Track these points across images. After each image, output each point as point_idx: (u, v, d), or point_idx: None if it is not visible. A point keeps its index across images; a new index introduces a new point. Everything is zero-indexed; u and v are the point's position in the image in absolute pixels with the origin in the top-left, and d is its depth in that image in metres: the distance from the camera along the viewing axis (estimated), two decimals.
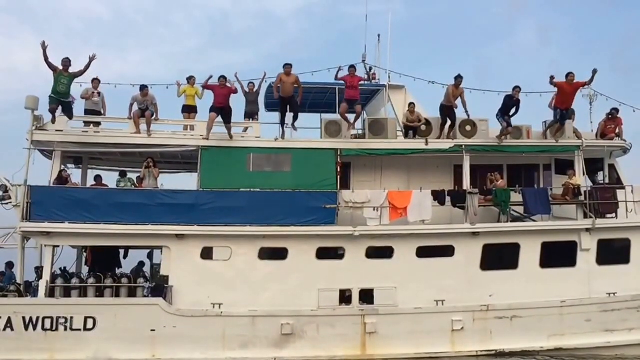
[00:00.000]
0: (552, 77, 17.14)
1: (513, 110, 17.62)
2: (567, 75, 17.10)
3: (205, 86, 16.89)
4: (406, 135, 17.83)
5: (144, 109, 16.93)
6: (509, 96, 17.64)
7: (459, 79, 17.43)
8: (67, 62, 15.88)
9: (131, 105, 17.13)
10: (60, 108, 16.07)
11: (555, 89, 17.49)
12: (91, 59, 15.82)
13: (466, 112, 17.58)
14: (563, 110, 17.47)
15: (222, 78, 16.63)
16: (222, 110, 16.48)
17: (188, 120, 17.69)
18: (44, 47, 15.39)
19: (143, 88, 17.16)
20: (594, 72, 17.25)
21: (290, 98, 17.06)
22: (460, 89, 17.53)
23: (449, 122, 17.75)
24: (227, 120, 16.64)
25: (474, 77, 62.45)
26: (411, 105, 17.93)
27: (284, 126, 17.25)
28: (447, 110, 17.68)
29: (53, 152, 16.56)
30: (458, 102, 17.52)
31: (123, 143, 16.82)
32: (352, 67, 17.34)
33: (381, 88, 19.34)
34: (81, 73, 16.00)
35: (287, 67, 17.00)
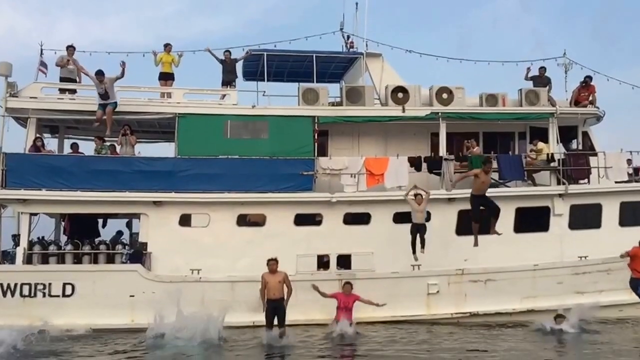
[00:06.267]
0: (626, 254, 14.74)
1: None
2: None
3: None
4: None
5: (103, 94, 16.12)
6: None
7: (487, 163, 15.08)
8: None
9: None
10: None
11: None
12: None
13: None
14: None
15: None
16: None
17: (164, 87, 17.59)
18: None
19: (100, 73, 15.99)
20: None
21: (278, 300, 13.72)
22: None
23: None
24: None
25: (456, 45, 62.58)
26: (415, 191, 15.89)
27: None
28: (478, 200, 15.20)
29: (28, 119, 16.43)
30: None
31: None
32: (348, 284, 14.85)
33: (359, 56, 19.34)
34: None
35: (272, 262, 13.85)
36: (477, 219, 14.99)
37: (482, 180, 14.61)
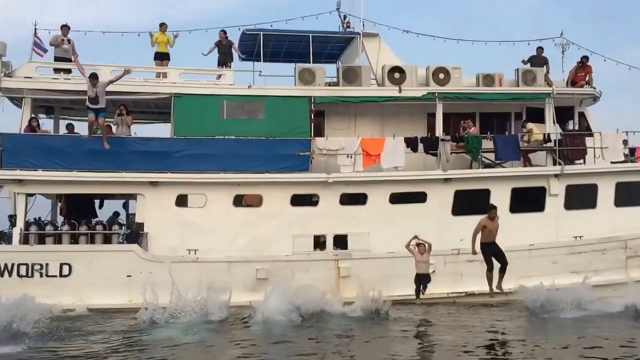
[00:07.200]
0: None
1: None
2: None
3: None
4: None
5: (93, 97, 15.44)
6: None
7: (492, 210, 14.57)
8: None
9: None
10: None
11: None
12: None
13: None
14: None
15: None
16: None
17: (160, 67, 17.50)
18: None
19: (94, 77, 15.36)
20: None
21: None
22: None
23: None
24: None
25: (454, 25, 62.41)
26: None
27: None
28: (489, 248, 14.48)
29: (23, 99, 16.36)
30: None
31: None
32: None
33: (355, 36, 19.23)
34: None
35: None
36: (490, 268, 14.60)
37: (489, 229, 14.44)
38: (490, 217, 14.43)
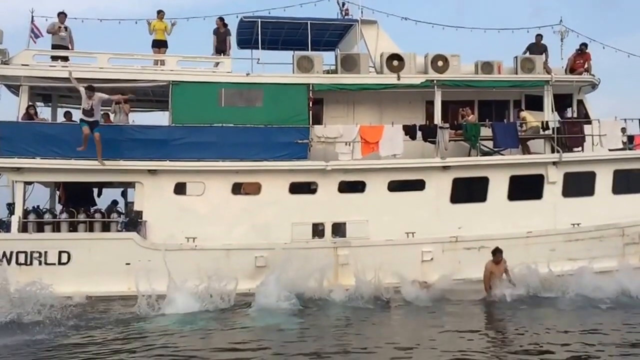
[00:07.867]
0: None
1: None
2: None
3: None
4: None
5: (88, 110, 15.28)
6: None
7: (497, 254, 15.07)
8: None
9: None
10: None
11: None
12: None
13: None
14: None
15: None
16: None
17: (158, 55, 17.43)
18: None
19: (91, 89, 15.29)
20: None
21: None
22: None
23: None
24: None
25: (453, 12, 62.29)
26: None
27: None
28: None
29: (20, 87, 16.28)
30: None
31: (91, 78, 16.51)
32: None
33: (354, 24, 19.14)
34: None
35: None
36: None
37: (495, 273, 14.91)
38: (495, 262, 14.91)
